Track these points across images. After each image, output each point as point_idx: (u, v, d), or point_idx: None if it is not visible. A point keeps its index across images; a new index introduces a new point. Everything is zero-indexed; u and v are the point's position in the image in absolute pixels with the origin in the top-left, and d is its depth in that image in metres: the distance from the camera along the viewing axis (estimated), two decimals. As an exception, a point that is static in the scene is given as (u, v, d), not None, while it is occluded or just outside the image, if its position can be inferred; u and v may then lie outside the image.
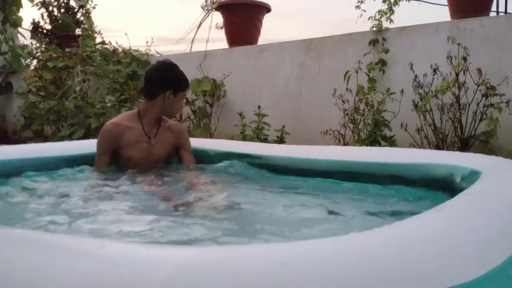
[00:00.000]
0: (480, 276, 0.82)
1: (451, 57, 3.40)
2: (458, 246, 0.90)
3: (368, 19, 4.05)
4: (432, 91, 3.45)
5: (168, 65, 2.54)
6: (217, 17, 6.07)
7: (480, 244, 0.94)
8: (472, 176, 1.76)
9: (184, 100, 2.48)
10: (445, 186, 1.95)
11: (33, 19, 7.84)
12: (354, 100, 3.87)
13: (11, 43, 7.34)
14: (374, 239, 0.87)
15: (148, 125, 2.55)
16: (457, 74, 3.34)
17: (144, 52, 6.02)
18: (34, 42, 7.68)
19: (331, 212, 1.70)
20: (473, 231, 0.98)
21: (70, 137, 5.60)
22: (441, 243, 0.89)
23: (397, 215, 1.69)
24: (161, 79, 2.49)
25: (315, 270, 0.72)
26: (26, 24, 7.75)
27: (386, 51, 3.94)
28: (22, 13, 7.52)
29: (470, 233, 0.97)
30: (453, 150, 3.29)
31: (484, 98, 3.26)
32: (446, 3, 3.93)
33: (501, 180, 1.56)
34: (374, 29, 4.03)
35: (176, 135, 2.69)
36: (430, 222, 1.01)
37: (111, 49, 6.19)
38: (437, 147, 3.44)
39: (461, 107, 3.35)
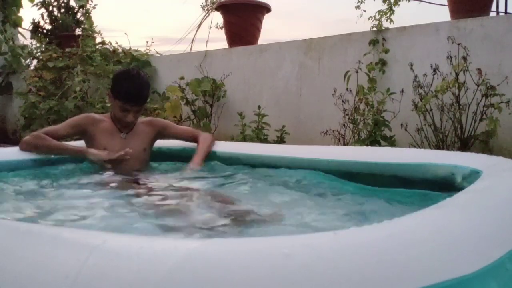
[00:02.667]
0: (479, 269, 0.83)
1: (451, 57, 3.41)
2: (458, 240, 0.91)
3: (368, 19, 4.06)
4: (432, 91, 3.46)
5: (123, 71, 2.69)
6: (217, 17, 6.08)
7: (479, 239, 0.95)
8: (473, 176, 1.77)
9: (129, 114, 2.54)
10: (446, 186, 1.95)
11: (33, 19, 7.84)
12: (354, 100, 3.88)
13: (11, 43, 7.34)
14: (375, 233, 0.88)
15: (120, 123, 2.62)
16: (457, 74, 3.35)
17: (144, 52, 6.02)
18: (34, 42, 7.68)
19: (331, 209, 1.70)
20: (472, 227, 0.99)
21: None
22: (441, 238, 0.90)
23: (398, 213, 1.69)
24: (112, 80, 2.68)
25: (316, 262, 0.73)
26: (26, 24, 7.74)
27: (386, 51, 3.95)
28: (22, 13, 7.51)
29: (470, 229, 0.98)
30: (453, 150, 3.29)
31: (484, 98, 3.27)
32: (446, 3, 3.94)
33: (502, 179, 1.56)
34: (374, 29, 4.03)
35: (152, 124, 2.78)
36: (430, 218, 1.02)
37: (111, 49, 6.20)
38: (437, 147, 3.44)
39: (461, 107, 3.36)
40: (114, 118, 2.62)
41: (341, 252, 0.78)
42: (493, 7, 4.11)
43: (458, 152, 2.50)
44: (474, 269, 0.82)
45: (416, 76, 3.55)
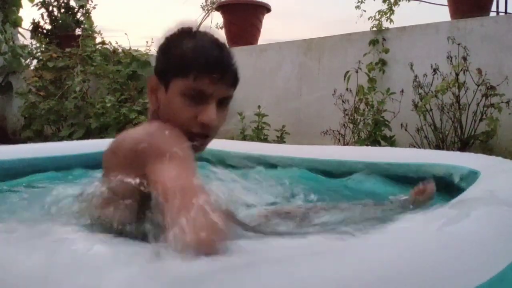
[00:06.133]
0: (482, 283, 0.79)
1: (451, 57, 3.41)
2: (457, 252, 0.86)
3: (368, 19, 4.06)
4: (432, 91, 3.45)
5: (180, 30, 1.27)
6: (217, 17, 6.08)
7: (479, 249, 0.90)
8: (471, 176, 1.76)
9: (208, 108, 1.19)
10: (444, 186, 1.95)
11: (33, 19, 7.84)
12: (354, 100, 3.87)
13: (11, 43, 7.34)
14: (369, 243, 0.85)
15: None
16: (457, 74, 3.34)
17: (144, 52, 6.01)
18: (34, 42, 7.68)
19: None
20: (472, 237, 0.94)
21: (70, 137, 5.60)
22: (438, 249, 0.85)
23: (396, 215, 1.68)
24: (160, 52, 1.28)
25: (313, 276, 0.71)
26: (26, 24, 7.75)
27: (386, 51, 3.94)
28: (22, 13, 7.51)
29: (468, 239, 0.93)
30: (453, 150, 3.29)
31: (484, 98, 3.26)
32: (446, 3, 3.94)
33: (500, 180, 1.55)
34: (374, 29, 4.03)
35: None
36: (425, 227, 0.98)
37: (111, 49, 6.19)
38: (437, 147, 3.44)
39: (461, 107, 3.35)
40: None
41: (336, 264, 0.76)
42: (493, 7, 4.11)
43: (457, 152, 2.49)
44: (475, 284, 0.79)
45: (416, 76, 3.55)
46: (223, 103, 1.23)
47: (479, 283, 0.79)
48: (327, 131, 3.93)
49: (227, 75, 1.24)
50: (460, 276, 0.80)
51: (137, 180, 1.06)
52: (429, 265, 0.79)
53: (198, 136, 1.20)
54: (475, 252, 0.89)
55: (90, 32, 6.95)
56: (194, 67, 1.16)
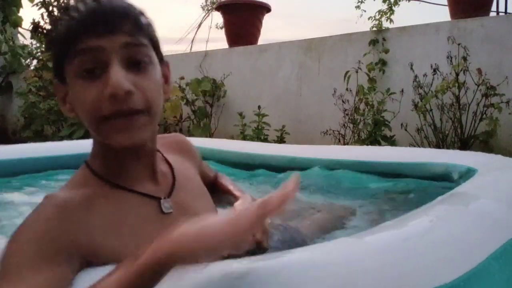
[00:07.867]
0: (462, 275, 0.79)
1: (451, 57, 3.41)
2: (440, 246, 0.86)
3: (368, 19, 4.07)
4: (432, 91, 3.46)
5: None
6: (217, 17, 6.08)
7: (461, 244, 0.90)
8: (469, 174, 1.76)
9: (113, 69, 0.83)
10: (442, 184, 1.95)
11: (33, 19, 7.83)
12: (354, 100, 3.88)
13: (11, 43, 7.33)
14: (351, 244, 0.84)
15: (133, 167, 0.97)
16: (457, 74, 3.35)
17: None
18: (34, 42, 7.67)
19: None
20: (455, 232, 0.94)
21: (70, 137, 5.59)
22: (423, 245, 0.85)
23: (393, 214, 1.68)
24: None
25: (300, 278, 0.71)
26: (26, 24, 7.73)
27: (386, 51, 3.94)
28: (22, 13, 7.50)
29: (453, 233, 0.93)
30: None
31: (484, 98, 3.27)
32: (446, 3, 3.94)
33: (494, 178, 1.55)
34: (374, 29, 4.03)
35: (184, 152, 1.17)
36: (412, 224, 0.97)
37: (111, 49, 6.18)
38: (437, 147, 3.44)
39: (461, 107, 3.36)
40: (104, 163, 0.99)
41: (322, 266, 0.75)
42: (493, 7, 4.11)
43: (456, 151, 2.49)
44: (456, 275, 0.78)
45: (416, 76, 3.55)
46: (137, 61, 0.87)
47: (457, 276, 0.79)
48: (327, 131, 3.94)
49: (116, 21, 0.86)
50: (439, 270, 0.80)
51: None
52: (410, 260, 0.79)
53: (121, 119, 0.86)
54: (458, 246, 0.89)
55: (90, 32, 6.93)
56: (69, 35, 0.86)
